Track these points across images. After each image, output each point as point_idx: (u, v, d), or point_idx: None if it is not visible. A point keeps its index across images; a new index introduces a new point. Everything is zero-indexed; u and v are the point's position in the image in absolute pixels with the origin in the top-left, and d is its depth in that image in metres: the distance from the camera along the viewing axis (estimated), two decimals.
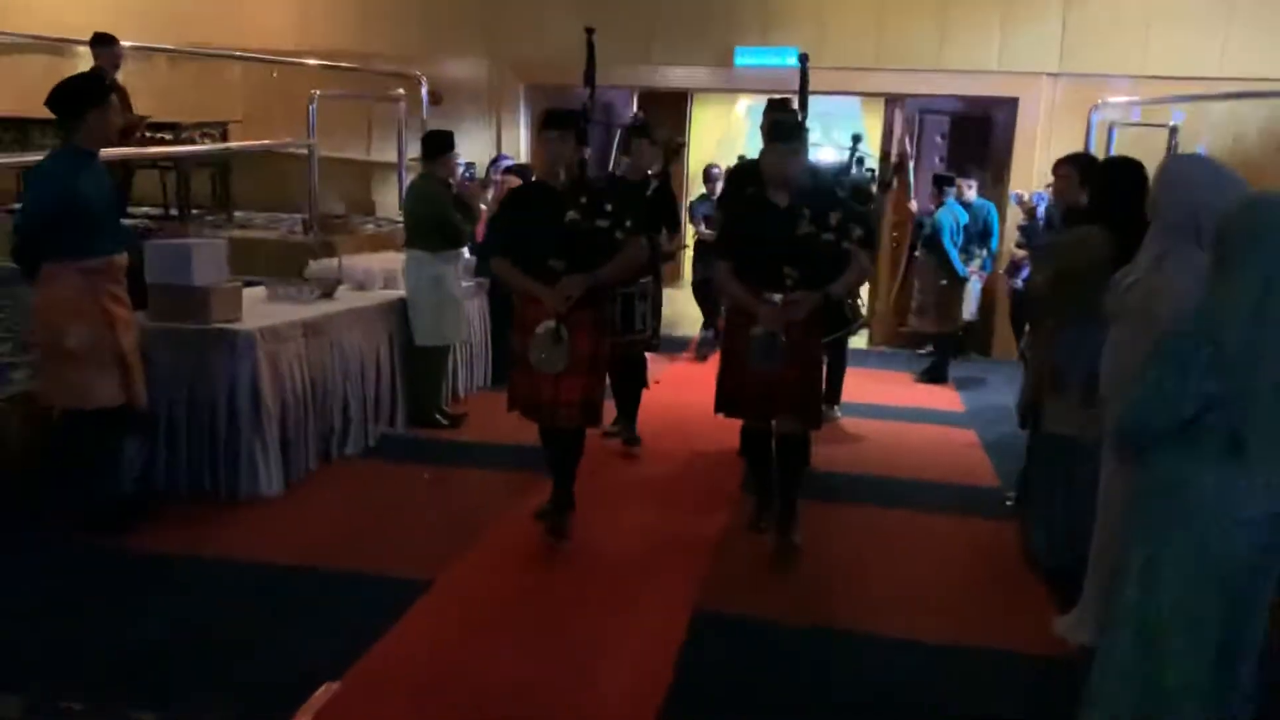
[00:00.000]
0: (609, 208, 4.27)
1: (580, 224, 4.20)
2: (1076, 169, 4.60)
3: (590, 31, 5.19)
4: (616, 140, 7.99)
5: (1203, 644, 2.50)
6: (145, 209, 8.08)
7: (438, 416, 6.11)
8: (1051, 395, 4.21)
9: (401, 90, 8.75)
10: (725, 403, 4.43)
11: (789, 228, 4.12)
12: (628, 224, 4.30)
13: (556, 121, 4.30)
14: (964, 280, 8.17)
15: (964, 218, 8.15)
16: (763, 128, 5.01)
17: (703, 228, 8.21)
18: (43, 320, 4.09)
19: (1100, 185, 4.06)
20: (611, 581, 4.11)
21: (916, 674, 3.51)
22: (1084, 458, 3.80)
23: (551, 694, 3.25)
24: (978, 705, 3.34)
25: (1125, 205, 3.78)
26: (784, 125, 4.37)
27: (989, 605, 4.10)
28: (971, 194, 8.38)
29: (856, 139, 6.83)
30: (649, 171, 5.87)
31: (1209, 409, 2.40)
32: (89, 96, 3.98)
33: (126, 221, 5.26)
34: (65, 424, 4.21)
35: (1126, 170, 3.94)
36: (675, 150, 6.27)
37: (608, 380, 4.94)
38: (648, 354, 6.02)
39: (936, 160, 9.47)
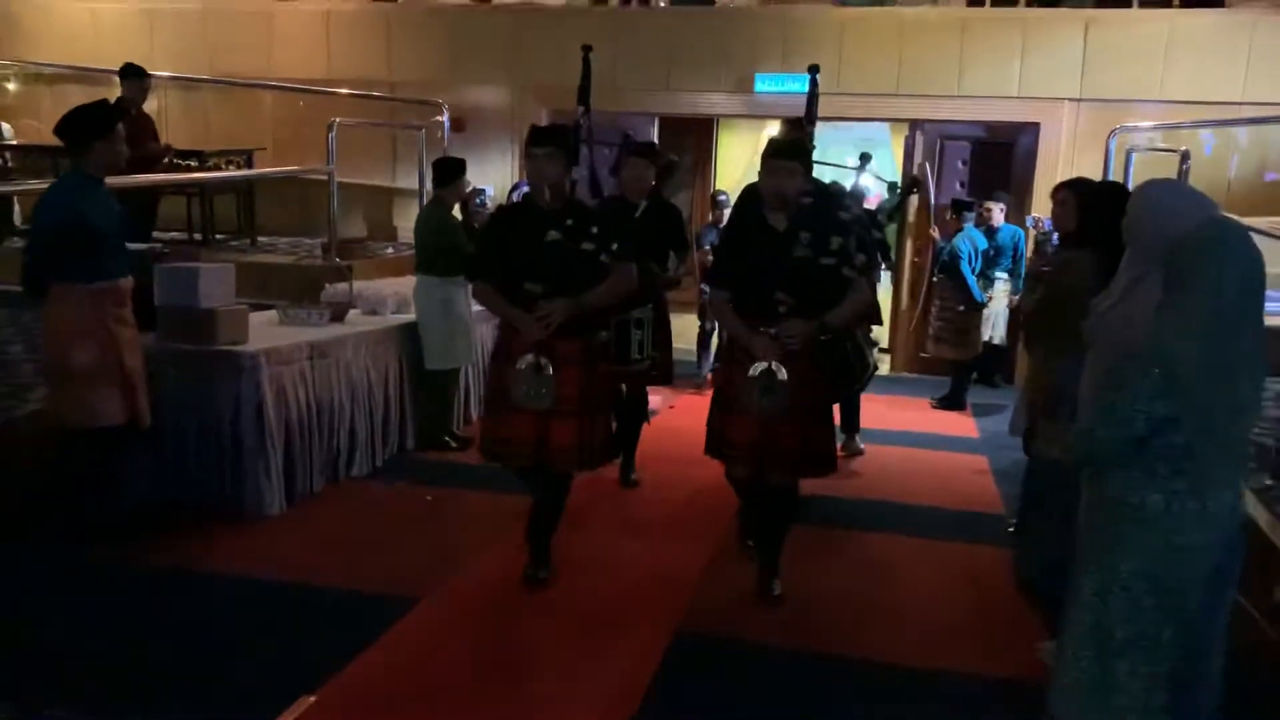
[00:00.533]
0: (595, 230, 4.03)
1: (562, 246, 3.96)
2: (1075, 194, 4.58)
3: (587, 49, 5.06)
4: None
5: (1156, 666, 2.49)
6: (172, 234, 8.27)
7: (447, 439, 6.18)
8: (1045, 419, 4.19)
9: (438, 118, 8.91)
10: (714, 444, 4.11)
11: (784, 252, 3.86)
12: (614, 247, 4.04)
13: (543, 138, 4.06)
14: (981, 306, 8.13)
15: (983, 243, 8.11)
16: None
17: (710, 256, 8.23)
18: (50, 340, 4.23)
19: (1087, 211, 4.05)
20: (597, 602, 4.14)
21: (901, 698, 3.50)
22: (1076, 482, 3.78)
23: (524, 710, 3.28)
24: None
25: (1111, 230, 3.78)
26: (780, 142, 4.09)
27: (980, 631, 4.07)
28: (1000, 218, 8.35)
29: (865, 158, 6.78)
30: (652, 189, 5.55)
31: (1161, 430, 2.40)
32: (95, 127, 4.11)
33: (143, 245, 5.40)
34: (71, 441, 4.32)
35: (1112, 196, 3.93)
36: (668, 169, 5.59)
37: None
38: (655, 386, 5.77)
39: (957, 185, 9.44)
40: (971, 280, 7.94)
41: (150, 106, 7.75)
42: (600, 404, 4.16)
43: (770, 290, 3.86)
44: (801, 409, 3.89)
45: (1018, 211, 9.00)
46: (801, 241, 3.84)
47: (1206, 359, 2.34)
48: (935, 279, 8.38)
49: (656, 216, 5.45)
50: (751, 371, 3.83)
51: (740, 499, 4.47)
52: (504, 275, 4.05)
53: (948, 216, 8.44)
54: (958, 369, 8.34)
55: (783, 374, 3.81)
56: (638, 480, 5.70)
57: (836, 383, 4.60)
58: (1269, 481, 4.17)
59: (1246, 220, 5.58)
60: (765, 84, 9.47)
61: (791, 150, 3.97)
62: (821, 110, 9.20)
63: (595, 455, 4.11)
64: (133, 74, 7.12)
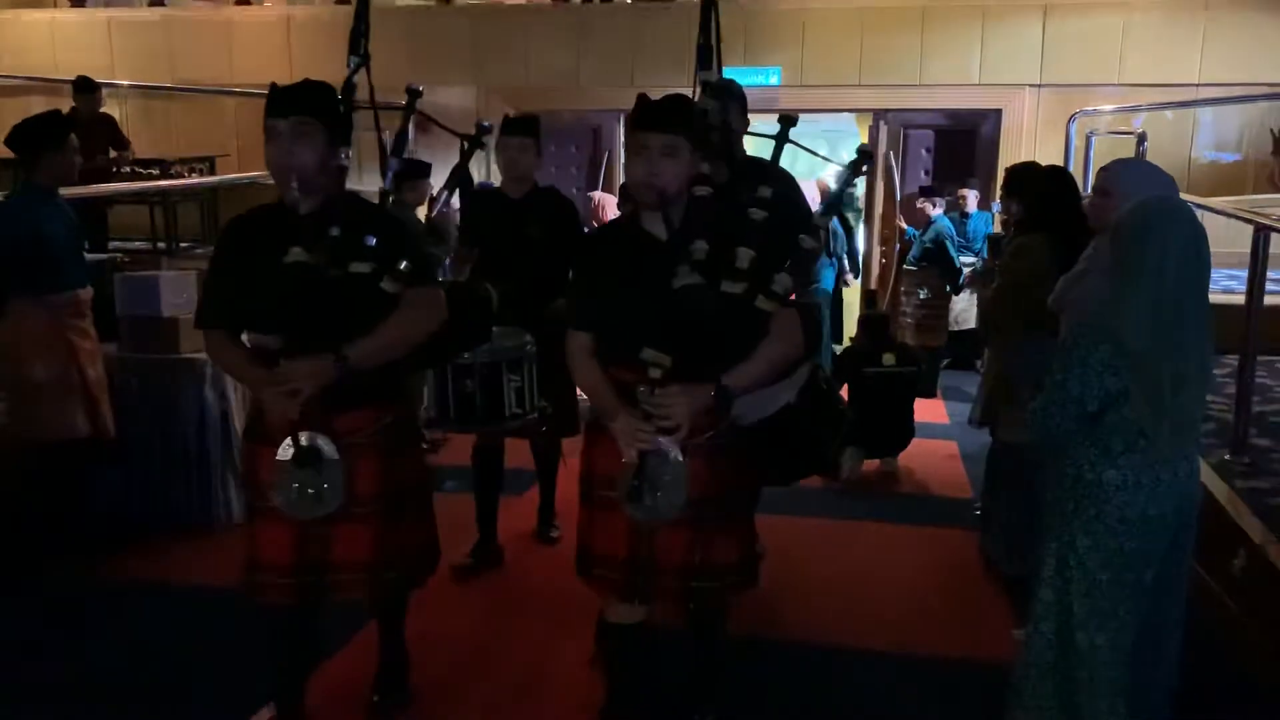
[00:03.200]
0: (375, 241, 2.61)
1: (311, 270, 2.54)
2: (1019, 181, 4.64)
3: None
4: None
5: (1115, 640, 2.53)
6: (136, 243, 8.23)
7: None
8: (1005, 404, 4.24)
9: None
10: (586, 561, 2.81)
11: (664, 276, 2.49)
12: (404, 266, 2.63)
13: (288, 103, 2.58)
14: (960, 290, 8.17)
15: (949, 230, 8.16)
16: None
17: None
18: (8, 355, 4.19)
19: (1034, 196, 4.10)
20: (562, 594, 4.12)
21: (873, 684, 3.53)
22: (1038, 465, 3.83)
23: (493, 704, 3.31)
24: (933, 714, 3.37)
25: (1061, 213, 3.85)
26: (651, 101, 2.60)
27: (949, 615, 4.11)
28: (974, 205, 8.42)
29: (865, 155, 6.48)
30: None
31: (1114, 405, 2.44)
32: (45, 138, 4.09)
33: (102, 255, 5.38)
34: (34, 456, 4.29)
35: (1057, 179, 4.00)
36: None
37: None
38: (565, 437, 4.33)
39: (922, 174, 9.52)
40: (959, 262, 7.96)
41: (112, 115, 7.72)
42: (413, 500, 2.90)
43: (646, 335, 2.50)
44: (700, 510, 2.61)
45: (983, 198, 9.09)
46: (692, 258, 2.49)
47: (1153, 332, 2.38)
48: (920, 266, 8.29)
49: (540, 215, 4.15)
50: (625, 458, 2.55)
51: (610, 665, 3.10)
52: (245, 318, 2.74)
53: (917, 204, 8.49)
54: (930, 356, 8.38)
55: (675, 458, 2.50)
56: (559, 536, 4.66)
57: (788, 464, 2.96)
58: (1228, 456, 4.23)
59: (1208, 200, 5.67)
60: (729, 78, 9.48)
61: (669, 114, 2.54)
62: (785, 103, 9.27)
63: (404, 574, 2.92)
64: (84, 89, 7.12)
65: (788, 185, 3.28)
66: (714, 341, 2.48)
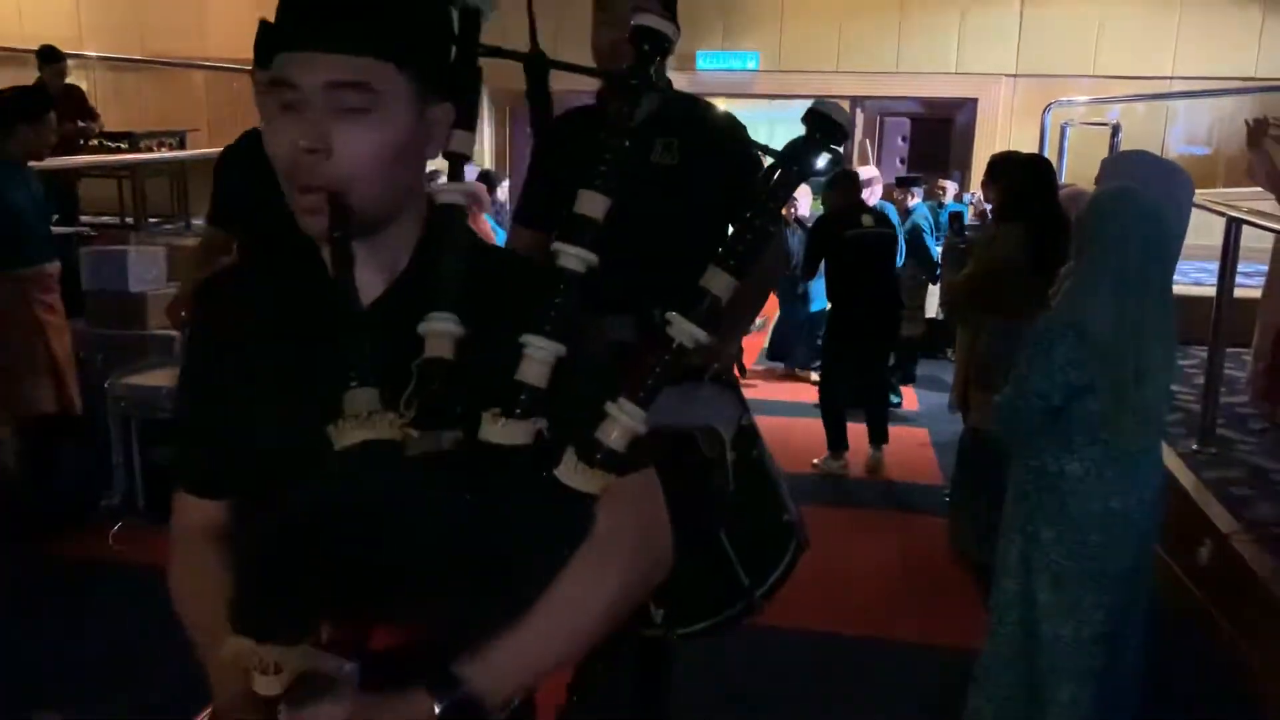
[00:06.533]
0: None
1: None
2: (996, 169, 4.66)
3: None
4: None
5: (1081, 630, 2.54)
6: (104, 217, 8.11)
7: None
8: (977, 391, 4.26)
9: None
10: None
11: (327, 393, 0.98)
12: None
13: None
14: (938, 279, 8.20)
15: (928, 220, 8.18)
16: None
17: None
18: None
19: (1008, 185, 4.11)
20: None
21: (838, 666, 3.55)
22: (1006, 452, 3.85)
23: None
24: (900, 698, 3.38)
25: (1034, 203, 3.87)
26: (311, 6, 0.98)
27: (917, 600, 4.14)
28: (952, 196, 8.46)
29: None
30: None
31: (1078, 398, 2.44)
32: (21, 111, 4.04)
33: (69, 229, 5.30)
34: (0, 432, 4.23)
35: (1031, 169, 4.01)
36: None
37: None
38: None
39: (898, 162, 9.55)
40: (935, 252, 7.97)
41: (80, 86, 7.60)
42: None
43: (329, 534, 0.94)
44: None
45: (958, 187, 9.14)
46: (399, 342, 0.99)
47: (1115, 323, 2.37)
48: None
49: None
50: None
51: None
52: None
53: (894, 195, 8.50)
54: (907, 346, 8.39)
55: None
56: None
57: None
58: (1195, 446, 4.28)
59: None
60: (708, 61, 9.49)
61: (347, 10, 0.97)
62: (763, 88, 9.28)
63: None
64: (49, 58, 7.00)
65: (711, 153, 2.14)
66: (447, 568, 1.02)
